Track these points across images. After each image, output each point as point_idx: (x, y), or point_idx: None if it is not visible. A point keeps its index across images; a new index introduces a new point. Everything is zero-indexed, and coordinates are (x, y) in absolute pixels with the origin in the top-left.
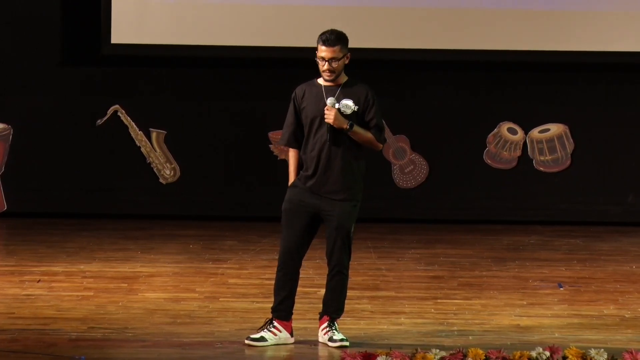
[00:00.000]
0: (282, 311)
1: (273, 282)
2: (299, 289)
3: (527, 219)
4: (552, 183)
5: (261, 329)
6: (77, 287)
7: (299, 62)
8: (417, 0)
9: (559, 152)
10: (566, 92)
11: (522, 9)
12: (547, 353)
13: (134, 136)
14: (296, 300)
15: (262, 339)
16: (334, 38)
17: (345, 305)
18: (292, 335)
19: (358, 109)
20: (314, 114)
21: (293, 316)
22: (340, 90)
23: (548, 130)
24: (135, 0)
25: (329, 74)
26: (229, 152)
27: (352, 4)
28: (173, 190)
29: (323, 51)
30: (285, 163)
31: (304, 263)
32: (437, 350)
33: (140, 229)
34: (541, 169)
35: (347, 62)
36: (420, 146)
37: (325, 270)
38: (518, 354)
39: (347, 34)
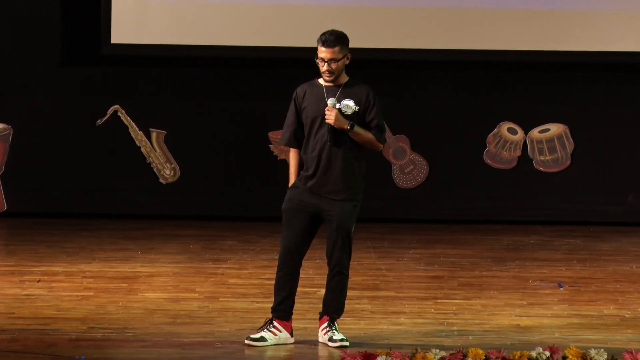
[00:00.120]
0: (282, 311)
1: (273, 282)
2: (299, 289)
3: (527, 219)
4: (552, 183)
5: (261, 329)
6: (77, 287)
7: (299, 62)
8: (417, 0)
9: (559, 152)
10: (566, 92)
11: (522, 9)
12: (547, 353)
13: (134, 136)
14: (296, 300)
15: (262, 339)
16: (333, 39)
17: (345, 305)
18: (292, 335)
19: (359, 109)
20: (314, 114)
21: (293, 316)
22: (341, 91)
23: (548, 130)
24: (135, 0)
25: (328, 74)
26: (229, 152)
27: (352, 4)
28: (173, 190)
29: (322, 52)
30: (285, 163)
31: (304, 263)
32: (437, 350)
33: (140, 229)
34: (541, 169)
35: (347, 62)
36: (420, 146)
37: (325, 270)
38: (518, 354)
39: (347, 34)
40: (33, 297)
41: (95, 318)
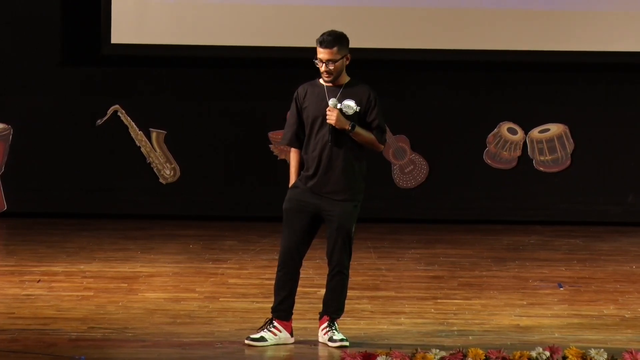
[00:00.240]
0: (282, 311)
1: (273, 282)
2: (299, 289)
3: (527, 219)
4: (552, 183)
5: (261, 329)
6: (77, 287)
7: (299, 62)
8: (417, 0)
9: (559, 152)
10: (566, 92)
11: (522, 9)
12: (547, 353)
13: (134, 136)
14: (296, 300)
15: (262, 339)
16: (331, 40)
17: (345, 305)
18: (292, 335)
19: (360, 109)
20: (315, 114)
21: (293, 316)
22: (342, 91)
23: (548, 130)
24: (135, 0)
25: (327, 75)
26: (229, 152)
27: (352, 4)
28: (173, 190)
29: (320, 53)
30: (285, 163)
31: (304, 263)
32: (437, 350)
33: (140, 229)
34: (541, 169)
35: (347, 63)
36: (420, 146)
37: (325, 270)
38: (518, 354)
39: (347, 34)
40: (33, 297)
41: (95, 318)
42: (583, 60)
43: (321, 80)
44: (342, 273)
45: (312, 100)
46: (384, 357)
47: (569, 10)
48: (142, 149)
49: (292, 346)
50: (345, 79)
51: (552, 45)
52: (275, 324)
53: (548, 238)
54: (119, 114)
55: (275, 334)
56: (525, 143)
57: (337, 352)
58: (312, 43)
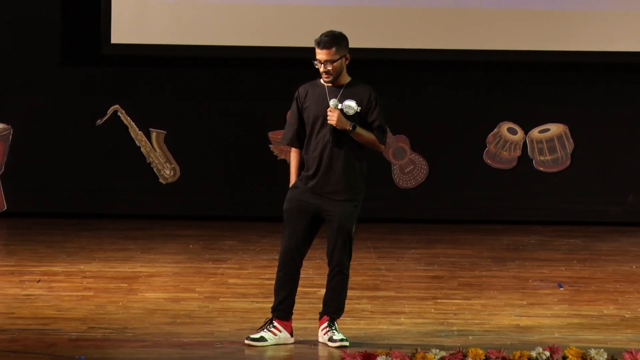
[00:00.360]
0: (282, 311)
1: (273, 282)
2: (299, 289)
3: (527, 219)
4: (552, 183)
5: (261, 329)
6: (77, 287)
7: (299, 62)
8: (417, 0)
9: (559, 152)
10: (566, 92)
11: (522, 9)
12: (547, 353)
13: (134, 136)
14: (296, 300)
15: (262, 339)
16: (328, 40)
17: (345, 305)
18: (292, 335)
19: (361, 110)
20: (316, 114)
21: (293, 316)
22: (343, 91)
23: (548, 130)
24: (135, 0)
25: (326, 76)
26: (229, 152)
27: (352, 4)
28: (173, 190)
29: (318, 54)
30: (285, 163)
31: (304, 263)
32: (437, 350)
33: (140, 229)
34: (541, 169)
35: (347, 63)
36: (420, 146)
37: (325, 270)
38: (518, 354)
39: (347, 34)
40: (33, 297)
41: (95, 318)
42: (583, 60)
43: (322, 81)
44: (342, 273)
45: (313, 101)
46: (384, 357)
47: (569, 10)
48: (142, 149)
49: (292, 346)
50: (346, 79)
51: (552, 45)
52: (275, 324)
53: (548, 238)
54: (119, 114)
55: (275, 334)
56: (525, 143)
57: (337, 352)
58: (312, 43)
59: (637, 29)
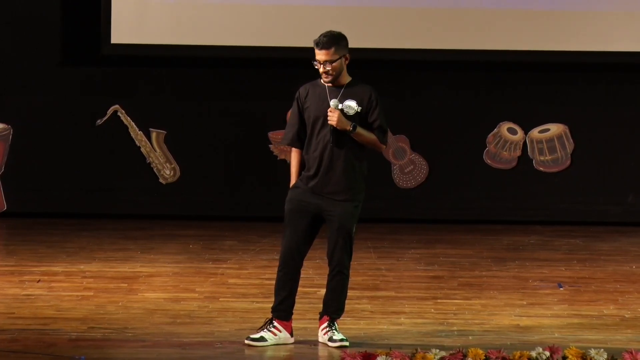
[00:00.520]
0: (282, 311)
1: (273, 282)
2: (299, 289)
3: (527, 219)
4: (552, 183)
5: (261, 329)
6: (77, 287)
7: (299, 62)
8: (417, 0)
9: (559, 152)
10: (566, 92)
11: (522, 9)
12: (547, 353)
13: (134, 136)
14: (296, 300)
15: (262, 339)
16: (327, 40)
17: (346, 305)
18: (292, 335)
19: (361, 110)
20: (316, 114)
21: (293, 316)
22: (344, 91)
23: (548, 130)
24: (135, 0)
25: (325, 76)
26: (229, 152)
27: (352, 4)
28: (173, 190)
29: (317, 54)
30: (285, 163)
31: (304, 263)
32: (437, 350)
33: (140, 229)
34: (541, 169)
35: (347, 62)
36: (420, 146)
37: (326, 270)
38: (518, 354)
39: (347, 34)
40: (33, 297)
41: (95, 318)
42: (583, 60)
43: (322, 81)
44: (343, 273)
45: (314, 101)
46: (384, 357)
47: (569, 10)
48: (142, 149)
49: (292, 346)
50: (346, 79)
51: (552, 45)
52: (275, 324)
53: (548, 238)
54: (118, 114)
55: (275, 334)
56: (525, 143)
57: (337, 352)
58: (312, 43)
59: (637, 29)
